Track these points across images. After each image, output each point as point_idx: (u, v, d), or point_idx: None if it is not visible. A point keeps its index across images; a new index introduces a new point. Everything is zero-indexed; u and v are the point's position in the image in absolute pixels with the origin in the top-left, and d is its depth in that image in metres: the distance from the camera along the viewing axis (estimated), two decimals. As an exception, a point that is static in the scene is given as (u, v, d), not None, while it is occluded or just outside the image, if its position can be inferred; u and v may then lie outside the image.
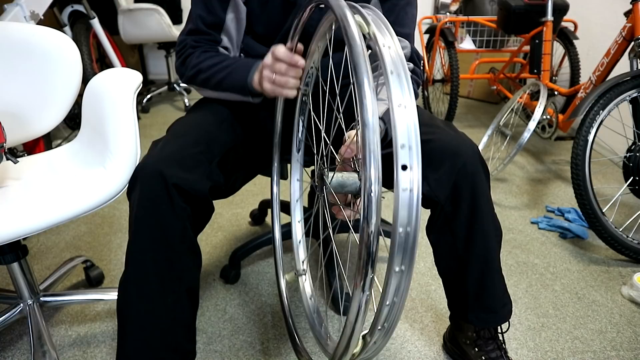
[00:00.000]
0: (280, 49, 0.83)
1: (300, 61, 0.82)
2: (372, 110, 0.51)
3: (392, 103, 0.55)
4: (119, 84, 0.96)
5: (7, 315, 1.09)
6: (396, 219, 0.55)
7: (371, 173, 0.51)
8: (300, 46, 0.86)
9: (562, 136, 2.11)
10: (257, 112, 1.04)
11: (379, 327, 0.62)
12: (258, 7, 1.00)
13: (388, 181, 0.99)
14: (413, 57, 1.02)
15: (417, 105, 1.04)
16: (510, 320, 1.02)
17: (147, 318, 0.83)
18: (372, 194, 0.51)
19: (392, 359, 1.12)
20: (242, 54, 1.07)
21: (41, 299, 1.13)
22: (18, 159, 0.95)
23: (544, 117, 2.01)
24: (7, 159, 0.94)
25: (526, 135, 1.82)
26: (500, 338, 1.05)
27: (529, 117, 2.17)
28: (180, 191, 0.79)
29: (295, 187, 1.04)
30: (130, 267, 0.82)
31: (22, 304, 1.10)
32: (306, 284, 1.03)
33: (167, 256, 0.81)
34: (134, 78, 0.98)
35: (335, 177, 0.68)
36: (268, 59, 0.86)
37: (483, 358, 1.02)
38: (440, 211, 0.92)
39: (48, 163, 1.06)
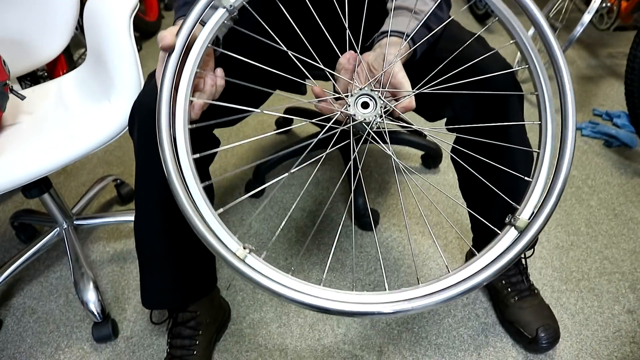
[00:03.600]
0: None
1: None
2: None
3: None
4: (114, 6, 0.88)
5: (47, 237, 1.17)
6: None
7: None
8: None
9: (623, 26, 1.86)
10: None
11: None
12: None
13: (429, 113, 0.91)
14: None
15: (457, 22, 0.92)
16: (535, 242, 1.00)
17: (161, 259, 0.85)
18: None
19: (413, 276, 1.14)
20: None
21: (75, 222, 1.19)
22: (25, 95, 0.93)
23: (603, 4, 1.75)
24: (16, 95, 0.92)
25: (579, 29, 1.60)
26: (523, 262, 1.03)
27: (587, 1, 1.90)
28: None
29: None
30: (138, 209, 0.82)
31: (58, 228, 1.17)
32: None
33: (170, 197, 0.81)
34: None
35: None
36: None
37: (503, 282, 1.02)
38: (465, 137, 0.85)
39: (57, 94, 1.04)
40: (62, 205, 1.14)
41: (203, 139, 0.84)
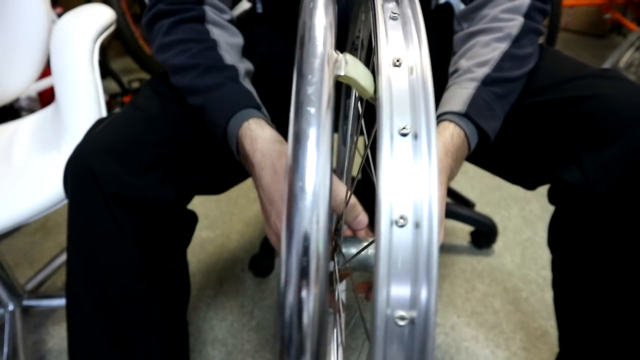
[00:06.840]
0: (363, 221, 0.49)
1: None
2: None
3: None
4: (76, 30, 0.66)
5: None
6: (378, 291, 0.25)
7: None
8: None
9: None
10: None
11: None
12: None
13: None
14: None
15: (556, 50, 0.66)
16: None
17: None
18: None
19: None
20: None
21: (25, 302, 0.93)
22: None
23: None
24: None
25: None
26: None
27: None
28: (125, 203, 0.51)
29: None
30: (70, 303, 0.57)
31: (1, 309, 0.91)
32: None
33: (117, 297, 0.55)
34: (98, 17, 0.67)
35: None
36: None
37: None
38: (591, 212, 0.56)
39: (7, 142, 0.81)
40: (8, 280, 0.89)
41: (173, 217, 0.59)
